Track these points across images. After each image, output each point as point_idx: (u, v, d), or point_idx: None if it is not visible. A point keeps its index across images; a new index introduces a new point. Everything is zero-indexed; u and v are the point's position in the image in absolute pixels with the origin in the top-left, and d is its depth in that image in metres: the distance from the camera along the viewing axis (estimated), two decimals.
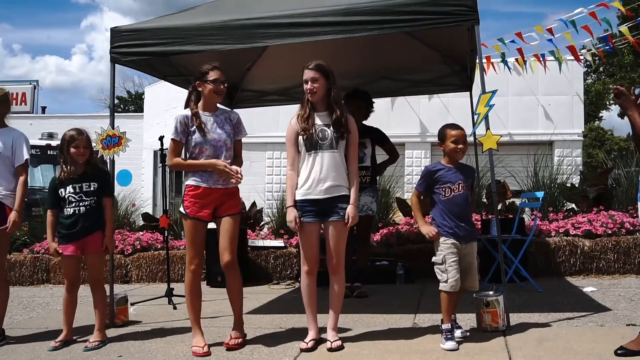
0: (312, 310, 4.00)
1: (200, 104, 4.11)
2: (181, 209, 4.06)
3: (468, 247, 3.94)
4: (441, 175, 3.97)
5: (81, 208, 4.26)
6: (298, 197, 3.90)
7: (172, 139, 4.02)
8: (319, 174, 3.84)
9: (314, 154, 3.86)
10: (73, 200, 4.27)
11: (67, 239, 4.28)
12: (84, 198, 4.27)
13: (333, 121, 3.85)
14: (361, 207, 5.72)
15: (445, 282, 3.86)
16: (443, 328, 3.85)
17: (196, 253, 4.07)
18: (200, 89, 4.08)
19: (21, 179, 4.48)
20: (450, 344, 3.75)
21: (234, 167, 3.96)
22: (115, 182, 5.16)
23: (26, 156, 4.52)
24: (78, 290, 4.42)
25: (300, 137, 3.90)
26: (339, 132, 3.84)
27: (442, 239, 3.91)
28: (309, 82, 3.87)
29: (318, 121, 3.90)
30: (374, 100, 6.06)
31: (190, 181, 4.01)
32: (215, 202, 4.01)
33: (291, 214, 3.90)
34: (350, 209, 3.84)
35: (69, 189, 4.28)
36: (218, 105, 4.21)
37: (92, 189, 4.30)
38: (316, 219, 3.88)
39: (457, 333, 3.91)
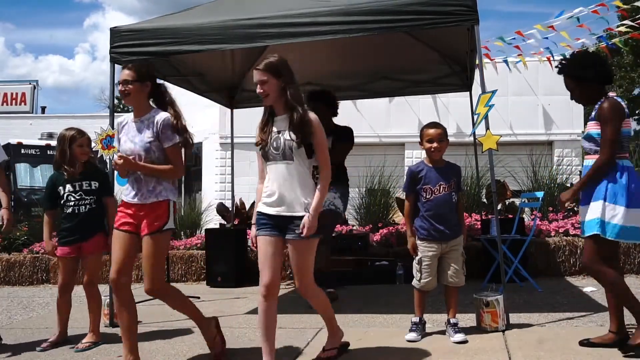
0: (267, 340, 3.34)
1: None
2: None
3: (449, 245, 3.99)
4: (423, 176, 4.02)
5: (81, 207, 4.24)
6: (257, 209, 3.47)
7: None
8: (273, 189, 3.35)
9: (271, 165, 3.37)
10: (73, 199, 4.25)
11: (66, 240, 4.26)
12: (84, 197, 4.26)
13: (289, 124, 3.32)
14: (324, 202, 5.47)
15: (418, 280, 4.02)
16: (412, 320, 4.07)
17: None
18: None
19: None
20: (411, 335, 3.99)
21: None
22: (115, 182, 5.15)
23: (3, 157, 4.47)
24: (71, 292, 4.39)
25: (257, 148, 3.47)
26: (298, 137, 3.28)
27: (419, 242, 4.02)
28: (258, 85, 3.37)
29: (275, 127, 3.39)
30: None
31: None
32: (134, 217, 3.58)
33: (251, 232, 3.51)
34: (305, 218, 3.26)
35: (69, 187, 4.26)
36: (155, 107, 3.72)
37: (92, 187, 4.28)
38: (273, 232, 3.34)
39: (458, 337, 3.91)
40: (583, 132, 3.61)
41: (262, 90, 3.34)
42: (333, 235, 5.93)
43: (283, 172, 3.32)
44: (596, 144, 3.52)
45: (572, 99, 3.75)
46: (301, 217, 3.27)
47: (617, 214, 3.40)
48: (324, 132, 3.39)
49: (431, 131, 4.00)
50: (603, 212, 3.42)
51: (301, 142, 3.28)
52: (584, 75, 3.61)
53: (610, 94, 3.60)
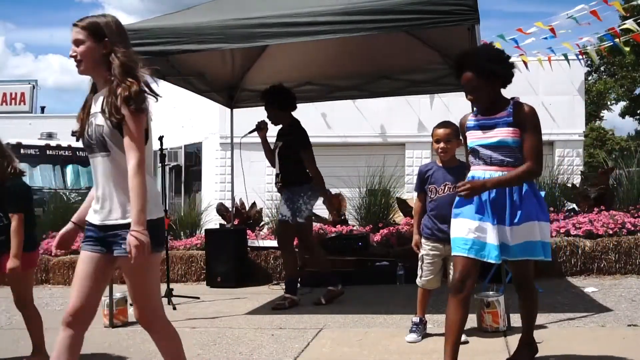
0: None
1: None
2: None
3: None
4: (429, 175, 4.01)
5: None
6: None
7: None
8: (94, 190, 2.63)
9: (91, 160, 2.61)
10: None
11: None
12: None
13: (102, 102, 2.51)
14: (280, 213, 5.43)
15: (419, 278, 4.03)
16: (412, 321, 4.03)
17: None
18: None
19: None
20: (412, 337, 3.96)
21: None
22: None
23: None
24: (29, 307, 4.09)
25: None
26: (109, 116, 2.45)
27: (423, 240, 4.02)
28: (72, 46, 2.57)
29: (94, 108, 2.59)
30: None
31: None
32: None
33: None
34: (129, 237, 2.37)
35: None
36: None
37: None
38: (95, 248, 2.56)
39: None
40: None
41: (74, 54, 2.55)
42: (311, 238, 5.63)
43: (101, 167, 2.55)
44: (511, 153, 3.03)
45: (474, 100, 3.20)
46: (127, 225, 2.42)
47: (546, 232, 3.12)
48: (139, 120, 2.47)
49: (439, 131, 3.96)
50: (542, 234, 3.07)
51: (114, 123, 2.46)
52: (493, 70, 3.06)
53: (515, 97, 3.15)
